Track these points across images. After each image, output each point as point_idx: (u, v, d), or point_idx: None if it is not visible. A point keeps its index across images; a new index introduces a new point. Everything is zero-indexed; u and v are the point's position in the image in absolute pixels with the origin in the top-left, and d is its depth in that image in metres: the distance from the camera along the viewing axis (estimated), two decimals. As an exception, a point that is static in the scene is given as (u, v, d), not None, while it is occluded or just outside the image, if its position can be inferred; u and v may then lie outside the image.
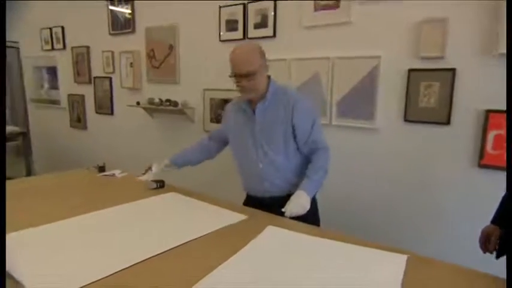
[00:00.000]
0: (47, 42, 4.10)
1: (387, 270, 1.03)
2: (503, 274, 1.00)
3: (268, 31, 2.43)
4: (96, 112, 3.78)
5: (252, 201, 1.67)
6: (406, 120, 1.95)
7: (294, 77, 2.33)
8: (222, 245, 1.21)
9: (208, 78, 2.82)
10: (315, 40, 2.22)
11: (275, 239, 1.26)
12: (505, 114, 1.63)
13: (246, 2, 2.49)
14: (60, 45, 3.95)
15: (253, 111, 1.56)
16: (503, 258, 1.17)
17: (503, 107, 1.64)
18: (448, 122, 1.81)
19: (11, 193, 1.63)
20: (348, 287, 0.95)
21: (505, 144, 1.64)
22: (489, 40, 1.66)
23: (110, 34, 3.43)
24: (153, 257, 1.11)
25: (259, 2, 2.44)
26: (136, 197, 1.71)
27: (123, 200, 1.65)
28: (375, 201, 2.09)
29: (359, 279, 0.99)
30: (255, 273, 1.02)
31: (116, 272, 1.02)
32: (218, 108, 2.79)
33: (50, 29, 4.00)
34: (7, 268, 0.92)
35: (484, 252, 1.26)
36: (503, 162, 1.65)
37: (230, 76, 1.50)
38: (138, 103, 3.15)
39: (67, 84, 4.01)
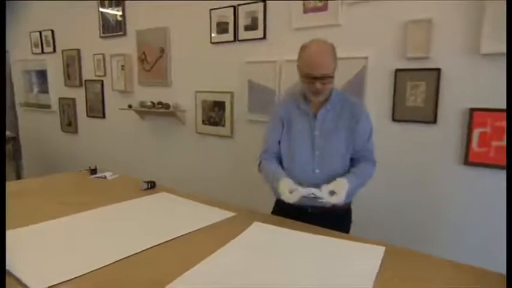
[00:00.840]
0: (36, 46, 4.17)
1: (364, 261, 1.13)
2: (487, 266, 1.07)
3: (258, 33, 2.52)
4: (88, 115, 3.85)
5: (287, 210, 1.52)
6: (394, 119, 2.04)
7: (284, 79, 2.41)
8: (208, 241, 1.29)
9: (199, 81, 2.90)
10: (305, 41, 2.31)
11: (259, 234, 1.35)
12: (488, 112, 1.73)
13: (236, 4, 2.59)
14: (50, 49, 4.03)
15: (314, 115, 1.51)
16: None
17: (487, 105, 1.74)
18: (434, 121, 1.90)
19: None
20: (324, 279, 1.03)
21: (489, 142, 1.73)
22: (473, 40, 1.75)
23: (101, 37, 3.51)
24: (141, 252, 1.19)
25: (249, 5, 2.53)
26: (128, 197, 1.78)
27: (115, 199, 1.72)
28: (364, 201, 2.16)
29: (336, 270, 1.08)
30: (235, 267, 1.10)
31: (107, 265, 1.09)
32: (210, 110, 2.87)
33: (40, 32, 4.08)
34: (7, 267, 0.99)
35: None
36: (489, 159, 1.74)
37: (302, 76, 1.44)
38: (129, 106, 3.22)
39: (57, 87, 4.08)
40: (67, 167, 3.74)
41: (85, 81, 3.79)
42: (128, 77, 3.37)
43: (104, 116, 3.70)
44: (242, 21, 2.59)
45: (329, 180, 1.42)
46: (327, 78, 1.40)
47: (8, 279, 1.00)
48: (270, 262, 1.13)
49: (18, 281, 1.00)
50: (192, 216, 1.55)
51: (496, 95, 1.71)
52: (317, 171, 1.50)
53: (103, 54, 3.54)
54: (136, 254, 1.18)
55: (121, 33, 3.35)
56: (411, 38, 1.92)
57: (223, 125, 2.81)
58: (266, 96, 2.53)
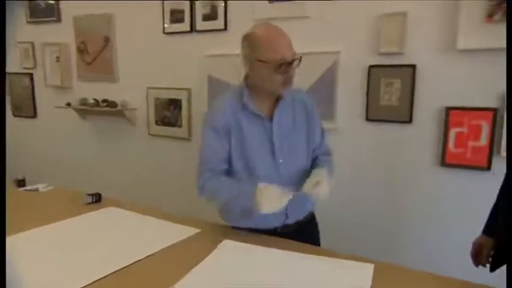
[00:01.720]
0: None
1: (354, 281, 1.05)
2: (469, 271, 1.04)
3: (218, 23, 2.37)
4: (14, 115, 3.42)
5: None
6: (367, 119, 1.99)
7: (249, 74, 2.29)
8: (172, 265, 1.14)
9: (151, 75, 2.68)
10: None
11: (232, 254, 1.21)
12: (465, 111, 1.73)
13: (193, -10, 2.42)
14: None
15: (269, 117, 1.31)
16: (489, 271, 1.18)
17: (463, 103, 1.74)
18: (410, 121, 1.87)
19: None
20: None
21: (466, 142, 1.74)
22: (449, 36, 1.74)
23: (28, 22, 3.13)
24: (93, 282, 1.01)
25: (208, -9, 2.38)
26: (69, 213, 1.55)
27: (50, 218, 1.48)
28: (333, 205, 2.10)
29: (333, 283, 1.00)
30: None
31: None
32: (164, 109, 2.66)
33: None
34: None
35: (477, 266, 1.26)
36: (465, 161, 1.75)
37: (270, 67, 1.20)
38: (68, 104, 2.93)
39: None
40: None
41: (8, 73, 3.36)
42: (65, 70, 3.04)
43: (35, 116, 3.32)
44: (200, 10, 2.42)
45: (298, 189, 1.26)
46: (297, 60, 1.24)
47: None
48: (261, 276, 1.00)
49: None
50: (147, 236, 1.37)
51: (472, 93, 1.72)
52: (285, 182, 1.29)
53: (31, 43, 3.16)
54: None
55: (54, 18, 3.00)
56: (385, 32, 1.88)
57: (180, 126, 2.62)
58: (228, 93, 2.39)
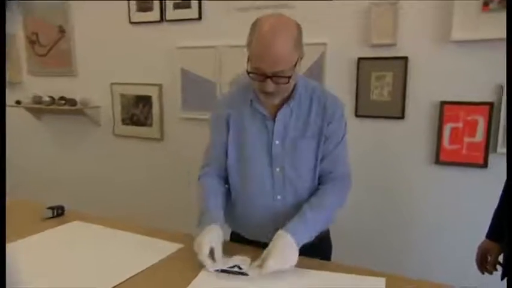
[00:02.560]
0: None
1: None
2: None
3: (192, 12, 2.25)
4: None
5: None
6: (357, 115, 1.94)
7: (226, 69, 2.19)
8: (161, 285, 1.02)
9: (116, 70, 2.53)
10: (250, 24, 2.11)
11: (223, 276, 1.10)
12: (460, 106, 1.71)
13: (162, -26, 2.27)
14: None
15: (272, 117, 1.21)
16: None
17: (458, 97, 1.73)
18: (402, 116, 1.84)
19: None
20: None
21: (461, 138, 1.72)
22: (443, 26, 1.71)
23: (-29, 11, 2.86)
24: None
25: (180, -24, 2.24)
26: (26, 231, 1.38)
27: (7, 236, 1.31)
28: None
29: None
30: None
31: None
32: (132, 106, 2.51)
33: None
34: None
35: (483, 273, 1.23)
36: (461, 158, 1.74)
37: (250, 68, 1.11)
38: (18, 102, 2.72)
39: None
40: None
41: None
42: (14, 64, 2.84)
43: (-21, 116, 3.04)
44: (171, -3, 2.29)
45: (295, 209, 1.18)
46: (282, 78, 1.08)
47: None
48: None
49: None
50: (122, 255, 1.23)
51: (468, 86, 1.71)
52: (278, 197, 1.23)
53: (-26, 34, 2.89)
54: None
55: None
56: (375, 23, 1.83)
57: (150, 125, 2.48)
58: (204, 89, 2.28)
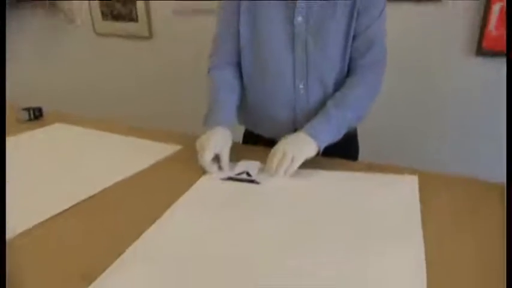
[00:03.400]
0: None
1: (399, 198, 0.89)
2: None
3: None
4: None
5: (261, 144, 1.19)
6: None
7: None
8: (150, 194, 0.92)
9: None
10: None
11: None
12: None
13: None
14: None
15: None
16: None
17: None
18: (440, -4, 1.61)
19: None
20: (362, 221, 0.78)
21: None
22: None
23: None
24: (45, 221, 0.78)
25: None
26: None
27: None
28: None
29: (373, 209, 0.83)
30: (209, 228, 0.76)
31: None
32: (112, -3, 2.23)
33: None
34: None
35: None
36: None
37: None
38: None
39: None
40: None
41: None
42: None
43: None
44: None
45: (320, 103, 1.07)
46: None
47: None
48: (268, 220, 0.79)
49: None
50: (112, 157, 1.12)
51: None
52: (301, 86, 1.09)
53: None
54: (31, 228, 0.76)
55: None
56: None
57: (136, 20, 2.23)
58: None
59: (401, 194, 0.90)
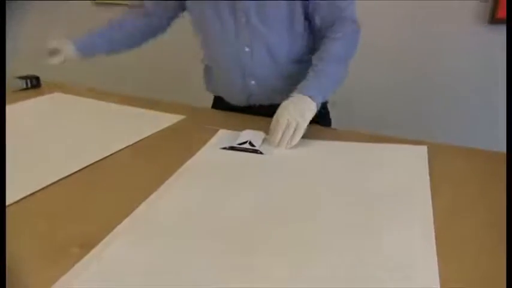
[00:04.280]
0: None
1: (408, 166, 0.87)
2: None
3: None
4: None
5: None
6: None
7: None
8: (153, 162, 0.90)
9: None
10: None
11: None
12: None
13: None
14: None
15: None
16: None
17: None
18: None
19: None
20: (370, 192, 0.76)
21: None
22: None
23: None
24: (51, 184, 0.77)
25: None
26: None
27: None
28: (368, 80, 1.89)
29: (380, 180, 0.80)
30: (209, 199, 0.74)
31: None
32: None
33: None
34: None
35: None
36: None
37: None
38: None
39: None
40: None
41: None
42: None
43: None
44: None
45: (269, 66, 1.09)
46: None
47: None
48: (273, 186, 0.78)
49: None
50: (114, 126, 1.10)
51: None
52: (247, 49, 1.08)
53: None
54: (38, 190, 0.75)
55: None
56: None
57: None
58: None
59: (410, 164, 0.87)
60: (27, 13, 2.58)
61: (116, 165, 0.88)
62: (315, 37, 1.10)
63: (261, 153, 0.92)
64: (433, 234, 0.62)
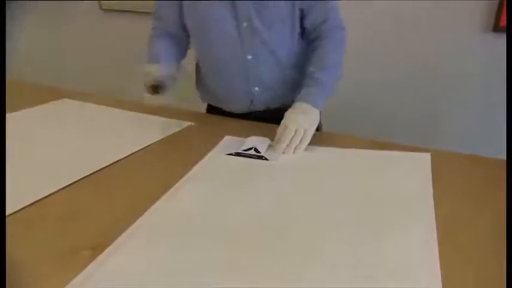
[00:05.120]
0: None
1: (413, 171, 0.89)
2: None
3: None
4: None
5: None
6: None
7: None
8: (160, 168, 0.93)
9: None
10: None
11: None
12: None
13: None
14: None
15: None
16: None
17: None
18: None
19: None
20: (374, 199, 0.77)
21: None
22: None
23: None
24: (58, 190, 0.80)
25: None
26: (8, 108, 1.25)
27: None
28: (371, 84, 1.92)
29: (384, 187, 0.82)
30: (215, 204, 0.76)
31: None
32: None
33: None
34: None
35: None
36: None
37: None
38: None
39: None
40: None
41: None
42: None
43: None
44: None
45: (272, 72, 1.12)
46: None
47: None
48: (277, 192, 0.80)
49: None
50: (122, 132, 1.13)
51: None
52: (249, 57, 1.10)
53: None
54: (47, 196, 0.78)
55: None
56: None
57: (142, -5, 2.20)
58: None
59: (413, 171, 0.89)
60: (27, 13, 2.63)
61: (124, 171, 0.91)
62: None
63: (266, 159, 0.94)
64: (436, 240, 0.63)
